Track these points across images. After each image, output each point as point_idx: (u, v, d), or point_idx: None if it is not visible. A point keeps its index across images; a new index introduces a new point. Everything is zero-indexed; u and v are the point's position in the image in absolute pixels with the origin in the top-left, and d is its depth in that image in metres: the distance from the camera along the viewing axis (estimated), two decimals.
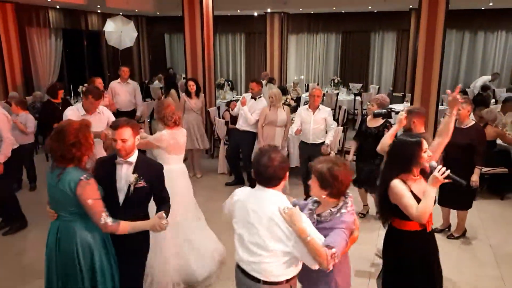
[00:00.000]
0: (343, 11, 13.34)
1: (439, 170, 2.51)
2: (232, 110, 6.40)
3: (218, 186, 6.40)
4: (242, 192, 2.38)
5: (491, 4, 10.96)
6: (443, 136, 3.01)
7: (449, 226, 4.87)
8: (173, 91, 7.04)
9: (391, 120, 4.44)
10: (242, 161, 6.31)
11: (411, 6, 11.31)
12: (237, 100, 6.93)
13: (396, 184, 2.58)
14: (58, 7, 10.96)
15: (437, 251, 2.84)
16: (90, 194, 2.45)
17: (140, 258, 2.89)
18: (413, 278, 2.72)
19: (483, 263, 4.18)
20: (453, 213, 4.83)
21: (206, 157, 7.69)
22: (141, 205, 2.79)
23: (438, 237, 4.71)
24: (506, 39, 12.32)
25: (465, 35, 12.73)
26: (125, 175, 2.70)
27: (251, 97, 6.10)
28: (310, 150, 5.32)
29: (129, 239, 2.64)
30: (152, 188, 2.75)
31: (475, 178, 4.28)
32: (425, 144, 2.63)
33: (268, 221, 2.15)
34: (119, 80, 7.32)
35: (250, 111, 5.94)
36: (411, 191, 2.58)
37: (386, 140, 3.39)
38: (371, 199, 5.17)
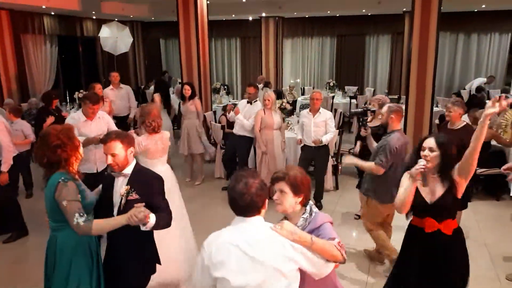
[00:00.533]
0: (337, 15, 13.42)
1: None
2: (229, 113, 6.40)
3: (215, 191, 6.41)
4: (216, 238, 1.98)
5: (483, 6, 11.05)
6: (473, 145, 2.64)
7: None
8: (156, 95, 6.83)
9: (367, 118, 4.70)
10: (239, 165, 6.33)
11: (404, 9, 11.39)
12: (234, 105, 6.95)
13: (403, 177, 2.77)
14: (53, 13, 10.96)
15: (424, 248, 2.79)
16: (65, 195, 2.37)
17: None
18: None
19: (479, 263, 4.19)
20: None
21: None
22: None
23: None
24: (500, 40, 12.42)
25: (459, 37, 12.82)
26: (120, 187, 2.64)
27: (247, 102, 6.13)
28: (312, 153, 5.43)
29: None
30: (148, 200, 2.57)
31: None
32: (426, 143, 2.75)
33: (272, 246, 1.91)
34: (111, 86, 7.36)
35: (246, 116, 5.96)
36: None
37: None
38: None
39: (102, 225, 2.42)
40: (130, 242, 2.62)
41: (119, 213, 2.56)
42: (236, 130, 6.11)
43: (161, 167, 3.79)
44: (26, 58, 10.47)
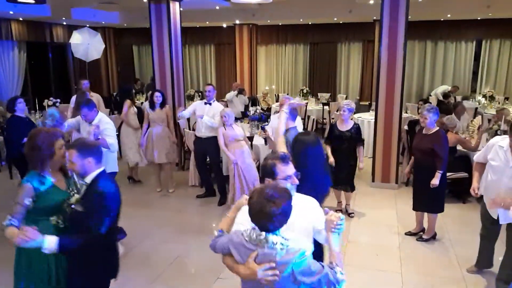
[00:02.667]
0: (310, 23, 13.64)
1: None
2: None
3: (189, 198, 6.36)
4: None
5: (449, 15, 11.49)
6: None
7: (423, 229, 5.03)
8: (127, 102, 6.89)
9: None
10: (213, 167, 6.27)
11: (374, 18, 11.69)
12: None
13: None
14: (21, 19, 10.70)
15: None
16: (17, 196, 2.44)
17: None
18: None
19: (446, 265, 4.33)
20: (420, 214, 5.02)
21: (176, 169, 7.63)
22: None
23: (409, 239, 4.90)
24: (466, 48, 12.91)
25: (427, 45, 13.25)
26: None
27: (205, 103, 6.10)
28: None
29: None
30: (86, 216, 2.43)
31: (433, 182, 4.49)
32: None
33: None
34: None
35: (208, 115, 5.96)
36: None
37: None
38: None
39: (9, 233, 2.35)
40: (75, 258, 2.54)
41: (64, 220, 2.59)
42: (202, 133, 6.07)
43: None
44: None
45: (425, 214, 4.89)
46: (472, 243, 4.24)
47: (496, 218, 3.54)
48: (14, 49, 10.84)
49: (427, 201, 4.71)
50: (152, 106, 6.41)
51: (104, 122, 4.59)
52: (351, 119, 5.48)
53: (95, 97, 7.37)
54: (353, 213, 5.61)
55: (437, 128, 4.62)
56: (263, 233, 1.90)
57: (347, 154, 5.29)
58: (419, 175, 4.75)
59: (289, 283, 1.88)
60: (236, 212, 2.28)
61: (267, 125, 5.47)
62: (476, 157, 3.90)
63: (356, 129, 5.28)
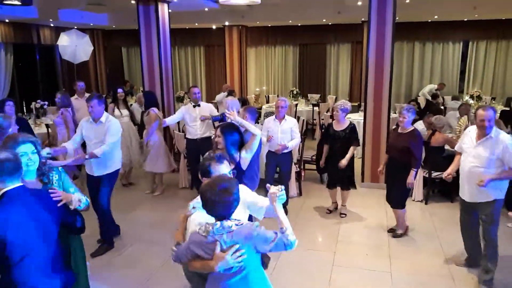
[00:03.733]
0: (299, 24, 13.69)
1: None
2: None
3: (179, 200, 6.32)
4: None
5: (436, 17, 11.63)
6: None
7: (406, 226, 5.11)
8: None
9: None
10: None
11: (363, 19, 11.76)
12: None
13: None
14: (7, 20, 10.57)
15: None
16: None
17: None
18: None
19: (434, 263, 4.37)
20: (410, 212, 5.07)
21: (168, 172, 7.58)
22: None
23: (398, 238, 4.93)
24: (453, 49, 13.08)
25: (415, 46, 13.39)
26: None
27: (194, 106, 6.12)
28: (278, 160, 5.51)
29: None
30: None
31: (409, 180, 4.62)
32: None
33: None
34: (76, 95, 7.19)
35: (199, 117, 6.04)
36: None
37: None
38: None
39: None
40: None
41: None
42: (198, 135, 6.09)
43: None
44: None
45: (413, 211, 4.98)
46: (461, 241, 4.29)
47: (464, 198, 3.94)
48: (1, 51, 10.71)
49: (395, 197, 4.86)
50: (145, 108, 6.41)
51: (109, 120, 4.54)
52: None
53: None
54: (345, 214, 5.61)
55: (413, 127, 4.74)
56: (218, 222, 2.13)
57: (341, 154, 5.27)
58: (392, 172, 4.84)
59: (252, 255, 2.15)
60: (184, 222, 2.54)
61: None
62: (456, 147, 4.18)
63: (351, 129, 5.29)
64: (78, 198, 2.76)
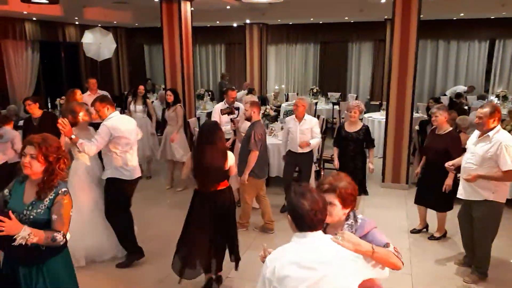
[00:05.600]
0: (320, 22, 13.59)
1: None
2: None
3: None
4: (277, 256, 1.92)
5: (462, 14, 11.35)
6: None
7: (426, 226, 5.09)
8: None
9: (233, 116, 5.34)
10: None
11: (386, 17, 11.60)
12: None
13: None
14: (34, 19, 10.84)
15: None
16: None
17: None
18: None
19: (457, 266, 4.29)
20: (431, 214, 4.98)
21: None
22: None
23: (416, 237, 4.86)
24: (479, 48, 12.75)
25: (439, 45, 13.11)
26: None
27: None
28: (298, 159, 5.48)
29: None
30: None
31: (448, 182, 4.51)
32: None
33: (338, 261, 1.89)
34: (89, 92, 7.32)
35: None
36: None
37: None
38: None
39: None
40: None
41: None
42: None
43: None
44: (6, 64, 10.33)
45: (435, 212, 4.89)
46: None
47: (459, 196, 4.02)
48: (28, 49, 10.98)
49: (437, 199, 4.74)
50: (167, 105, 6.51)
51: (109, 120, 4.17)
52: (361, 120, 5.38)
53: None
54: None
55: (450, 128, 4.63)
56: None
57: (353, 157, 5.10)
58: (430, 174, 4.75)
59: None
60: None
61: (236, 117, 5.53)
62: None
63: (365, 130, 5.10)
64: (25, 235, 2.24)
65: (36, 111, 5.60)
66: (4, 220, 2.17)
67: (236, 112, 5.52)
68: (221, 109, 5.60)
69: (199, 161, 3.60)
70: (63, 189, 2.46)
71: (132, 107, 6.95)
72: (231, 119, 5.31)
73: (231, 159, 3.73)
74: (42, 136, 2.46)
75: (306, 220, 1.88)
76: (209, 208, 3.63)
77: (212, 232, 3.67)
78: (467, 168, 3.81)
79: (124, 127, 4.15)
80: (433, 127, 4.83)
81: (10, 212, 2.26)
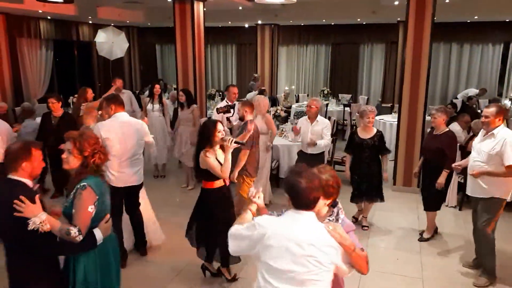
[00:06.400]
0: (332, 23, 13.55)
1: (229, 141, 3.48)
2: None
3: None
4: (271, 224, 2.07)
5: (476, 17, 11.23)
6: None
7: (435, 229, 5.06)
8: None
9: (229, 114, 5.46)
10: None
11: (399, 19, 11.53)
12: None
13: (206, 154, 3.52)
14: (49, 17, 10.97)
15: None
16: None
17: None
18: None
19: (468, 271, 4.25)
20: (440, 216, 4.98)
21: None
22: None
23: (430, 243, 4.81)
24: (493, 51, 12.60)
25: (452, 47, 13.00)
26: None
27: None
28: (308, 160, 5.43)
29: None
30: None
31: (440, 180, 4.56)
32: (219, 126, 3.57)
33: (325, 247, 2.00)
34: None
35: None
36: (217, 159, 3.58)
37: None
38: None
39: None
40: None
41: None
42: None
43: None
44: (21, 62, 10.47)
45: (444, 215, 4.99)
46: (497, 251, 4.14)
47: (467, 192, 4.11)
48: (42, 47, 11.12)
49: (427, 199, 4.84)
50: (181, 105, 6.53)
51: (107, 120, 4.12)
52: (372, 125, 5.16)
53: (127, 94, 7.60)
54: (367, 226, 5.28)
55: (447, 129, 4.69)
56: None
57: (369, 164, 4.98)
58: (427, 175, 4.81)
59: None
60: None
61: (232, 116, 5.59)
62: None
63: (380, 137, 4.98)
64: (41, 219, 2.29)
65: (58, 109, 5.72)
66: (24, 201, 2.23)
67: (232, 110, 5.55)
68: (217, 108, 5.60)
69: None
70: (82, 184, 2.45)
71: (149, 106, 6.94)
72: (227, 118, 5.34)
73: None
74: (80, 132, 2.58)
75: (303, 197, 2.01)
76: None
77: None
78: (474, 166, 3.89)
79: (115, 133, 3.90)
80: (430, 128, 4.90)
81: (37, 196, 2.34)
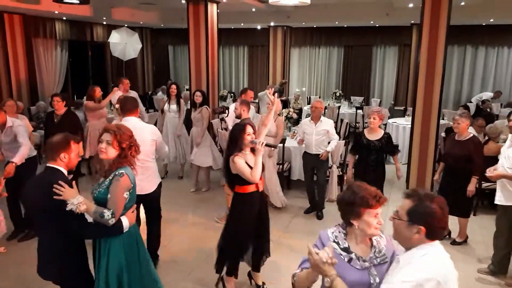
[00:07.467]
0: (345, 25, 13.50)
1: (260, 144, 3.33)
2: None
3: (221, 198, 6.39)
4: (433, 270, 1.78)
5: (492, 20, 11.09)
6: None
7: (449, 233, 5.03)
8: None
9: (224, 115, 5.47)
10: None
11: (412, 21, 11.45)
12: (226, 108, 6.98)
13: (235, 159, 3.40)
14: (64, 18, 11.12)
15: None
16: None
17: None
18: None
19: (483, 276, 4.19)
20: (451, 220, 4.88)
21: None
22: None
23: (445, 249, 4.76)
24: (508, 54, 12.43)
25: (467, 50, 12.85)
26: None
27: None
28: (313, 161, 5.50)
29: None
30: None
31: (471, 188, 4.53)
32: (248, 129, 3.44)
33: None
34: (120, 92, 7.45)
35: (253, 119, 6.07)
36: (246, 163, 3.43)
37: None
38: None
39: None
40: None
41: None
42: None
43: None
44: (36, 62, 10.63)
45: (456, 218, 4.81)
46: None
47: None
48: (57, 47, 11.28)
49: (453, 203, 4.62)
50: (194, 105, 6.52)
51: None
52: (379, 127, 5.10)
53: (133, 95, 7.58)
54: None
55: (471, 134, 4.61)
56: None
57: (375, 166, 4.94)
58: (450, 181, 4.72)
59: None
60: None
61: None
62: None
63: (387, 138, 4.94)
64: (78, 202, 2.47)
65: (61, 108, 5.81)
66: (64, 186, 2.46)
67: (227, 111, 5.69)
68: (213, 109, 5.69)
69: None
70: (120, 171, 2.62)
71: (166, 107, 6.90)
72: (222, 118, 5.41)
73: None
74: (117, 125, 2.75)
75: (441, 224, 1.81)
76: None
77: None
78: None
79: None
80: (452, 133, 4.81)
81: (74, 182, 2.58)
